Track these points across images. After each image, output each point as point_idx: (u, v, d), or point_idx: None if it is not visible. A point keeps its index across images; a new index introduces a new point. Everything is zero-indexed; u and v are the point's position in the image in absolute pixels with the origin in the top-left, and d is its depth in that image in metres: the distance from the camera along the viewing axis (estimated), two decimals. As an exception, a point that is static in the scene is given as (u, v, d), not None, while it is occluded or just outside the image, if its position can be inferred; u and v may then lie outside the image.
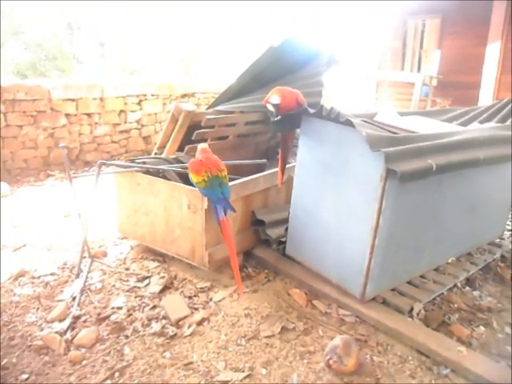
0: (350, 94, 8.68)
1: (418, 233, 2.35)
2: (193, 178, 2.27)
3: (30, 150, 4.88)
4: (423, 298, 2.31)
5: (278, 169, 2.87)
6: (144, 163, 2.96)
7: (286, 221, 2.77)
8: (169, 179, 2.66)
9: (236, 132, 3.67)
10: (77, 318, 2.25)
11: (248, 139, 3.93)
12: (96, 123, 5.48)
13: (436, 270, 2.62)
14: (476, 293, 2.53)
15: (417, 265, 2.47)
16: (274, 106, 2.32)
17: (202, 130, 3.25)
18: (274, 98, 2.33)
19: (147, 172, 2.74)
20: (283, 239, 2.74)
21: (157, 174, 2.77)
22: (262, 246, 2.86)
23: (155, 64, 10.70)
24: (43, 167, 5.02)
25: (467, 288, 2.57)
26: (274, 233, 2.74)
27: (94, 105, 5.39)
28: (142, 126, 6.03)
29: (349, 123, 1.99)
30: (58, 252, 3.00)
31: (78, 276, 2.59)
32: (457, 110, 3.37)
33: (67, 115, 5.14)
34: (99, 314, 2.28)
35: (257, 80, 3.70)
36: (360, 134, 1.91)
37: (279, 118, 2.34)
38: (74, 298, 2.42)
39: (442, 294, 2.45)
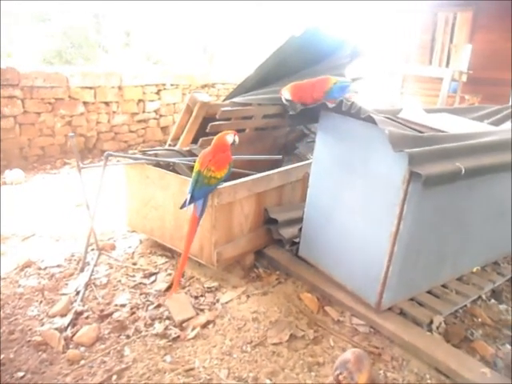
0: (374, 88, 8.40)
1: (442, 240, 2.18)
2: None
3: (47, 137, 4.86)
4: (444, 310, 2.15)
5: (295, 165, 2.76)
6: (156, 155, 2.86)
7: (300, 220, 2.63)
8: (179, 173, 2.55)
9: (253, 125, 3.53)
10: (79, 313, 2.17)
11: (265, 133, 3.78)
12: (114, 112, 5.44)
13: (459, 279, 2.44)
14: (502, 306, 2.35)
15: (438, 274, 2.31)
16: (287, 100, 2.21)
17: (217, 123, 3.12)
18: (285, 93, 2.22)
19: (158, 165, 2.64)
20: (296, 240, 2.61)
21: (167, 166, 2.67)
22: (274, 246, 2.74)
23: (179, 54, 10.63)
24: (60, 155, 5.00)
25: (492, 301, 2.39)
26: (287, 232, 2.61)
27: (112, 93, 5.34)
28: (161, 115, 5.97)
29: (370, 120, 1.84)
30: (67, 243, 2.94)
31: (82, 270, 2.52)
32: (487, 108, 3.15)
33: (85, 103, 5.10)
34: (102, 311, 2.20)
35: (276, 71, 3.54)
36: (382, 132, 1.76)
37: (296, 112, 2.21)
38: (77, 293, 2.35)
39: (465, 306, 2.28)
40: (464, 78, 6.70)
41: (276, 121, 3.74)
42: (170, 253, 2.75)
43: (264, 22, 10.37)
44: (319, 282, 2.37)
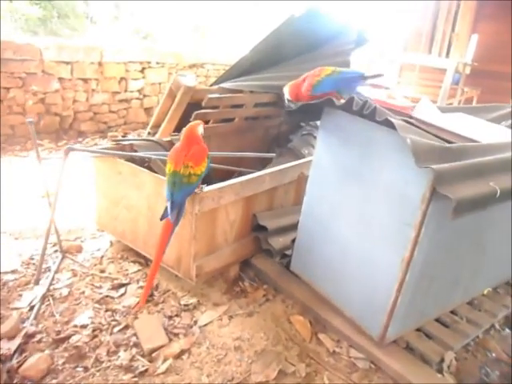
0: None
1: (457, 263, 1.89)
2: None
3: (17, 115, 4.41)
4: (455, 343, 1.87)
5: (289, 164, 2.43)
6: (131, 146, 2.50)
7: (292, 227, 2.32)
8: (155, 171, 2.19)
9: (243, 114, 3.18)
10: (30, 336, 1.83)
11: (257, 122, 3.43)
12: (93, 90, 4.99)
13: (469, 303, 2.17)
14: (517, 337, 2.09)
15: (449, 299, 2.02)
16: (289, 101, 1.88)
17: (203, 111, 2.77)
18: (285, 91, 1.89)
19: (132, 159, 2.28)
20: (288, 252, 2.30)
21: (142, 162, 2.31)
22: (262, 255, 2.42)
23: (169, 30, 10.08)
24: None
25: (507, 330, 2.12)
26: (277, 242, 2.30)
27: (92, 70, 4.88)
28: (144, 96, 5.53)
29: (388, 124, 1.51)
30: (27, 242, 2.58)
31: (37, 282, 2.16)
32: (505, 108, 2.83)
33: (60, 79, 4.64)
34: (58, 333, 1.86)
35: (273, 54, 3.16)
36: (402, 140, 1.43)
37: (295, 107, 1.87)
38: (31, 308, 2.01)
39: (477, 337, 2.01)
40: (467, 70, 6.37)
41: (268, 110, 3.40)
42: (143, 259, 2.41)
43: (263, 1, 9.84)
44: (313, 304, 2.07)
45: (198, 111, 2.72)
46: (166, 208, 1.82)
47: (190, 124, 1.86)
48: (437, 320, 2.00)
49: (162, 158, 2.23)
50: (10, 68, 4.22)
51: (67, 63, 4.64)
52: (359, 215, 1.81)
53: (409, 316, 1.80)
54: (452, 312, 2.07)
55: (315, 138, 3.15)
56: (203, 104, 2.72)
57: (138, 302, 2.03)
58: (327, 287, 2.04)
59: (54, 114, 4.71)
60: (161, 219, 1.86)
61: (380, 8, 8.64)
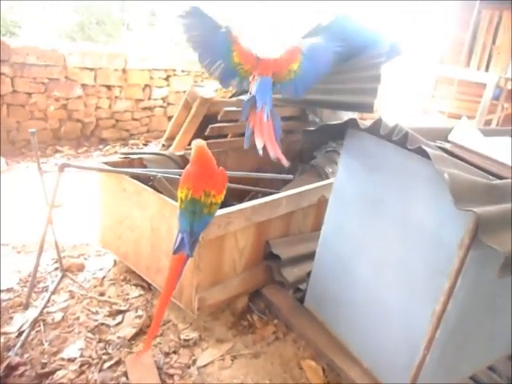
0: (403, 90, 7.64)
1: (495, 316, 1.62)
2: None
3: (38, 121, 4.36)
4: (493, 409, 1.60)
5: (309, 186, 2.22)
6: (141, 160, 2.35)
7: (309, 257, 2.10)
8: (159, 191, 2.00)
9: (264, 128, 2.97)
10: (13, 368, 1.68)
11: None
12: (116, 97, 4.91)
13: (510, 358, 1.88)
14: None
15: (487, 355, 1.75)
16: None
17: (219, 124, 2.59)
18: None
19: (137, 176, 2.11)
20: (303, 286, 2.07)
21: (148, 179, 2.13)
22: (274, 286, 2.20)
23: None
24: (52, 141, 4.52)
25: (555, 393, 1.82)
26: (291, 274, 2.08)
27: (115, 76, 4.80)
28: (168, 104, 5.42)
29: (421, 153, 1.28)
30: (29, 256, 2.44)
31: (26, 307, 2.01)
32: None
33: (83, 86, 4.57)
34: (43, 366, 1.70)
35: (297, 66, 2.96)
36: (439, 175, 1.19)
37: (315, 127, 1.66)
38: (20, 333, 1.86)
39: (519, 400, 1.73)
40: (509, 86, 5.99)
41: (291, 124, 3.20)
42: (146, 283, 2.23)
43: (293, 7, 9.68)
44: (327, 348, 1.83)
45: (214, 125, 2.55)
46: (182, 239, 1.60)
47: (199, 145, 1.63)
48: (472, 378, 1.72)
49: (167, 175, 2.05)
50: (33, 73, 4.18)
51: (91, 69, 4.58)
52: (384, 255, 1.57)
53: (438, 375, 1.54)
54: (490, 368, 1.79)
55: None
56: (219, 117, 2.54)
57: (138, 331, 1.85)
58: (344, 331, 1.80)
59: (76, 121, 4.65)
60: (174, 253, 1.63)
61: (415, 18, 8.31)
